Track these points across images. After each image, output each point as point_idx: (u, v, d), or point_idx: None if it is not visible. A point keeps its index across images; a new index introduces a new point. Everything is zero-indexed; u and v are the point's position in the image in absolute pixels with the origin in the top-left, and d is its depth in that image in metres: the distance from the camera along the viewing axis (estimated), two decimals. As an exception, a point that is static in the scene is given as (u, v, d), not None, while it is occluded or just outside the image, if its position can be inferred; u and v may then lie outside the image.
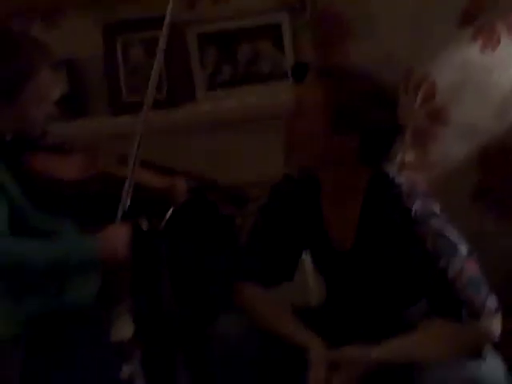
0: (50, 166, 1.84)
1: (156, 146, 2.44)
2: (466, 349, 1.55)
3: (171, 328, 2.29)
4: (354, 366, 1.58)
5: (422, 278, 1.62)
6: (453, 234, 1.61)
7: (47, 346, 1.76)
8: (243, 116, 2.49)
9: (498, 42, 2.46)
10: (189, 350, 2.33)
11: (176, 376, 2.20)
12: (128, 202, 1.81)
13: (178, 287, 2.39)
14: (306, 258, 1.97)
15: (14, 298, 1.73)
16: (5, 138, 1.79)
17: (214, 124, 2.50)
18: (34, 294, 1.75)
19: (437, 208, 1.65)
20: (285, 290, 1.85)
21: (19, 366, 1.71)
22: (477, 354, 1.54)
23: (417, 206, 1.62)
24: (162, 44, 1.88)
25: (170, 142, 2.47)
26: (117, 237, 1.74)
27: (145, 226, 2.35)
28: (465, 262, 1.58)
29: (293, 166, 1.78)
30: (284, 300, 1.80)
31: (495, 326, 1.55)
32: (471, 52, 2.47)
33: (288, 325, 1.70)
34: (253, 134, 2.50)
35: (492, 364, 1.55)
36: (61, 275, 1.77)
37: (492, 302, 1.56)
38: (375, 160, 1.68)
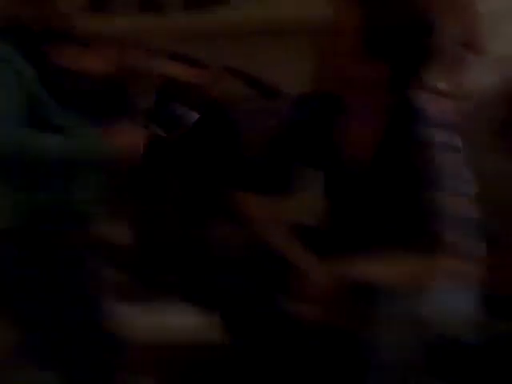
0: (74, 58, 1.81)
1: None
2: (415, 279, 1.54)
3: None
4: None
5: (408, 201, 1.61)
6: (459, 172, 1.59)
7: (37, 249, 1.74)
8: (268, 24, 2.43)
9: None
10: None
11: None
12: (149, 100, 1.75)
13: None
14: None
15: (23, 188, 1.73)
16: (32, 28, 1.74)
17: (241, 30, 2.43)
18: (42, 189, 1.74)
19: (457, 142, 1.62)
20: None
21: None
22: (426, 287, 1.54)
23: (437, 136, 1.60)
24: None
25: (197, 46, 2.41)
26: (130, 139, 1.71)
27: (160, 132, 2.33)
28: (456, 200, 1.56)
29: (319, 82, 1.74)
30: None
31: (452, 266, 1.54)
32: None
33: (283, 238, 1.70)
34: (277, 44, 2.44)
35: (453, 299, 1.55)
36: (70, 172, 1.74)
37: (466, 245, 1.54)
38: (405, 86, 1.64)
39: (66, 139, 1.70)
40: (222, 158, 2.44)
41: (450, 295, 1.54)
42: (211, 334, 1.74)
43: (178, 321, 2.08)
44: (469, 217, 1.58)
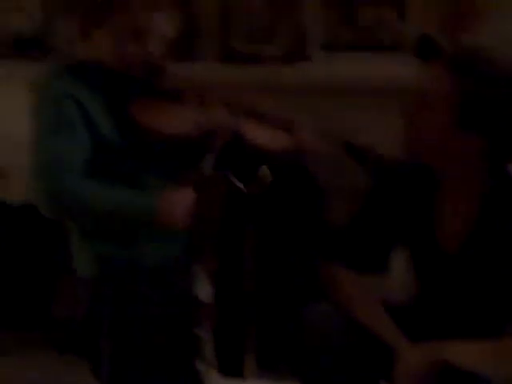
0: (154, 114, 1.70)
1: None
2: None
3: (247, 302, 2.26)
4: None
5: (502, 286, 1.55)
6: None
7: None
8: (354, 82, 2.38)
9: None
10: (262, 333, 2.31)
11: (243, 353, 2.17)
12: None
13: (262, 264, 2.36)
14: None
15: (88, 238, 1.68)
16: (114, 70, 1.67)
17: (325, 87, 2.39)
18: (106, 240, 1.67)
19: None
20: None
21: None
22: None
23: None
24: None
25: (277, 99, 2.39)
26: (178, 203, 1.61)
27: (241, 185, 2.31)
28: None
29: (409, 150, 1.68)
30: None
31: None
32: None
33: (377, 317, 1.63)
34: (361, 103, 2.38)
35: None
36: (124, 226, 1.66)
37: None
38: (502, 159, 1.58)
39: (120, 192, 1.62)
40: (305, 220, 2.40)
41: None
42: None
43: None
44: None
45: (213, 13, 2.58)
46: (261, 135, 1.69)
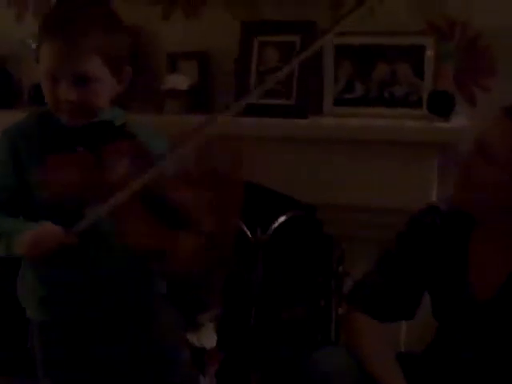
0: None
1: (275, 152, 2.41)
2: None
3: (254, 347, 2.23)
4: None
5: None
6: None
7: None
8: (367, 137, 2.37)
9: None
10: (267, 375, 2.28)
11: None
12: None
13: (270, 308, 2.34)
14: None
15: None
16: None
17: (337, 140, 2.39)
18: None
19: None
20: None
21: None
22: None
23: None
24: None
25: (290, 151, 2.41)
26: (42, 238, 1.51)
27: (248, 233, 2.32)
28: None
29: (457, 202, 1.64)
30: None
31: None
32: None
33: (388, 370, 1.59)
34: (375, 157, 2.38)
35: None
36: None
37: None
38: None
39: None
40: (312, 267, 2.38)
41: None
42: None
43: None
44: None
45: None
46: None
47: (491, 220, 1.59)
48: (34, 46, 2.80)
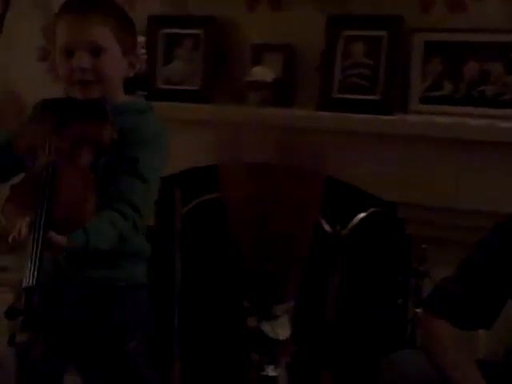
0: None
1: (359, 148, 2.38)
2: None
3: (327, 344, 2.21)
4: None
5: None
6: None
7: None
8: (458, 136, 2.30)
9: None
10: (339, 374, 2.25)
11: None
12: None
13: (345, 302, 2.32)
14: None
15: None
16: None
17: (424, 139, 2.34)
18: None
19: None
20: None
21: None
22: None
23: None
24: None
25: (375, 147, 2.39)
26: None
27: (327, 228, 2.30)
28: None
29: None
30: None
31: None
32: None
33: (471, 378, 1.54)
34: (464, 157, 2.31)
35: None
36: None
37: None
38: None
39: None
40: (391, 265, 2.35)
41: None
42: None
43: None
44: None
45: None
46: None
47: None
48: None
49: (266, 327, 1.87)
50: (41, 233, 1.39)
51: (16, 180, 1.61)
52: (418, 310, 2.16)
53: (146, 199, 1.60)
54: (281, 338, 1.86)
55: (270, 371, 1.86)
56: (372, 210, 2.38)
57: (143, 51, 2.79)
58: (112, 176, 1.57)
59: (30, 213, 1.42)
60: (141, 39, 2.80)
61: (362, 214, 2.36)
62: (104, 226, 1.52)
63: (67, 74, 1.62)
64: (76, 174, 1.52)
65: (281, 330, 1.87)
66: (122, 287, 1.67)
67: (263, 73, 2.55)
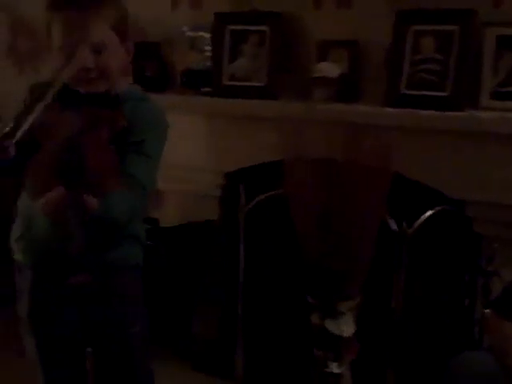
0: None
1: (427, 144, 2.34)
2: None
3: (393, 343, 2.18)
4: None
5: None
6: None
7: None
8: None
9: None
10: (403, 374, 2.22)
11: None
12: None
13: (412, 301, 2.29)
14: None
15: None
16: None
17: (496, 136, 2.28)
18: None
19: None
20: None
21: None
22: None
23: None
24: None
25: (444, 144, 2.34)
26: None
27: (393, 226, 2.27)
28: None
29: None
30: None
31: None
32: None
33: None
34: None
35: None
36: None
37: None
38: None
39: None
40: (459, 264, 2.30)
41: None
42: None
43: None
44: None
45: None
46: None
47: None
48: (189, 33, 2.87)
49: (330, 324, 1.86)
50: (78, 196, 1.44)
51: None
52: (486, 311, 2.11)
53: (151, 176, 1.66)
54: (345, 335, 1.85)
55: (335, 368, 1.86)
56: (439, 207, 2.34)
57: (208, 48, 2.81)
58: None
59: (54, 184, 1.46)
60: (206, 36, 2.83)
61: (429, 212, 2.32)
62: (119, 197, 1.56)
63: (69, 73, 1.59)
64: (99, 146, 1.54)
65: (345, 327, 1.85)
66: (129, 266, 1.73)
67: (329, 69, 2.53)
